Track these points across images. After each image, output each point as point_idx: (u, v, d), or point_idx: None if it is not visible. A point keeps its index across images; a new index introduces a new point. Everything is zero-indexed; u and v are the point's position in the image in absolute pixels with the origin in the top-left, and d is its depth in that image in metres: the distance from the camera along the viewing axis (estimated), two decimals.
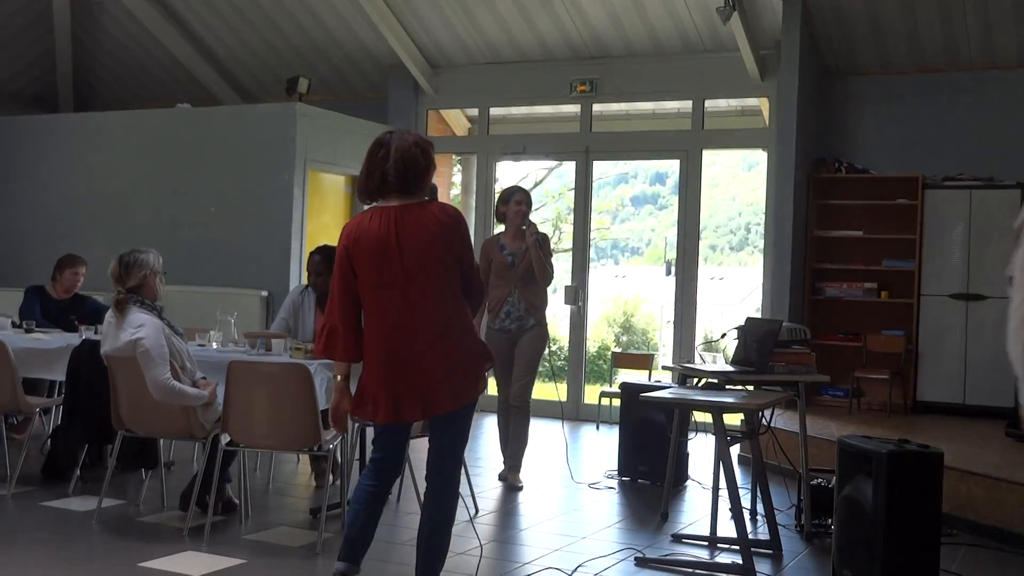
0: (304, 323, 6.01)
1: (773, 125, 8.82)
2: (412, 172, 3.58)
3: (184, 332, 5.23)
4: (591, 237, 10.19)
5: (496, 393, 6.30)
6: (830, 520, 4.95)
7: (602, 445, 8.04)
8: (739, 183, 28.08)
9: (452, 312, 3.60)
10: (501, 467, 6.39)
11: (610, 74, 9.46)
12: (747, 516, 5.26)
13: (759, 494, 5.33)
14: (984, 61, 8.47)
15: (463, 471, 4.07)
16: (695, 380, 5.48)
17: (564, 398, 8.80)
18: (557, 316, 10.58)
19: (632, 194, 28.58)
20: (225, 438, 4.86)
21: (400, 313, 3.55)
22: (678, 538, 5.12)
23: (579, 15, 9.07)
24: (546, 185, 19.11)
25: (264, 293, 8.90)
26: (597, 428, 8.85)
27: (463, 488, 3.80)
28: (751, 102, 9.61)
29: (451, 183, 11.53)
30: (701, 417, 6.08)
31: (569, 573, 4.42)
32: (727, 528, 5.05)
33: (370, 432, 4.50)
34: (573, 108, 9.83)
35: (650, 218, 29.40)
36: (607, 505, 5.97)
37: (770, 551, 4.89)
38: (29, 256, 9.68)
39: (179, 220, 9.36)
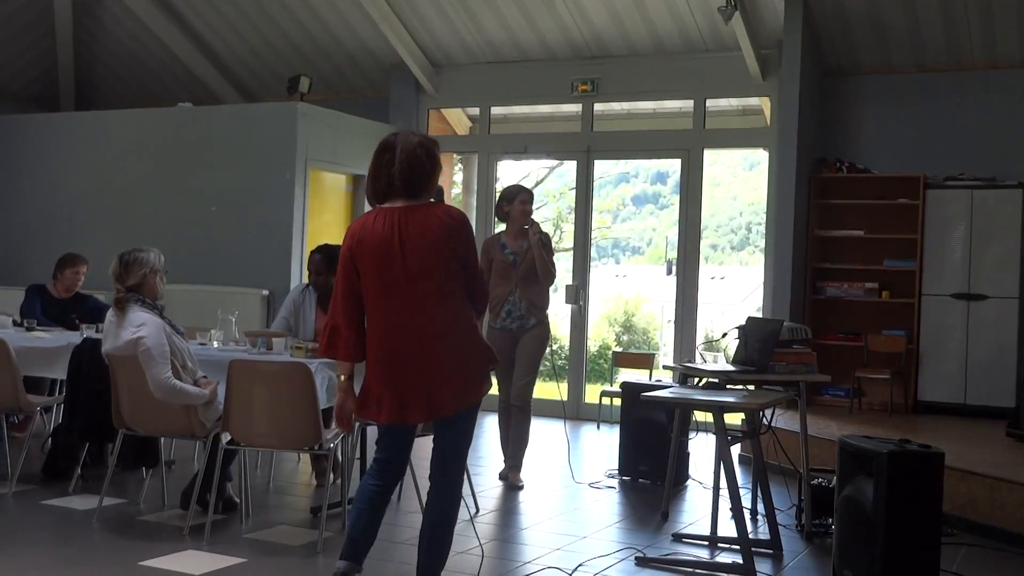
0: (305, 322, 6.01)
1: (774, 125, 8.82)
2: (417, 175, 3.60)
3: (185, 331, 5.23)
4: (592, 236, 10.19)
5: (497, 392, 6.30)
6: (831, 520, 4.95)
7: (603, 444, 8.04)
8: (740, 183, 28.06)
9: (455, 313, 3.61)
10: (502, 466, 6.39)
11: (611, 73, 9.45)
12: (748, 516, 5.26)
13: (760, 494, 5.33)
14: (986, 61, 8.46)
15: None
16: (696, 380, 5.48)
17: (565, 397, 8.80)
18: (558, 315, 10.58)
19: (633, 193, 28.56)
20: (226, 437, 4.86)
21: (402, 314, 3.56)
22: (678, 538, 5.13)
23: (580, 14, 9.07)
24: (547, 184, 19.12)
25: (265, 292, 8.91)
26: (598, 427, 8.85)
27: (463, 487, 3.80)
28: (752, 102, 9.60)
29: (452, 182, 11.53)
30: (702, 417, 6.08)
31: (569, 573, 4.42)
32: (728, 528, 5.05)
33: (371, 431, 4.51)
34: (574, 107, 9.83)
35: (651, 217, 29.38)
36: (607, 505, 5.97)
37: (771, 551, 4.89)
38: (30, 255, 9.69)
39: (180, 219, 9.36)
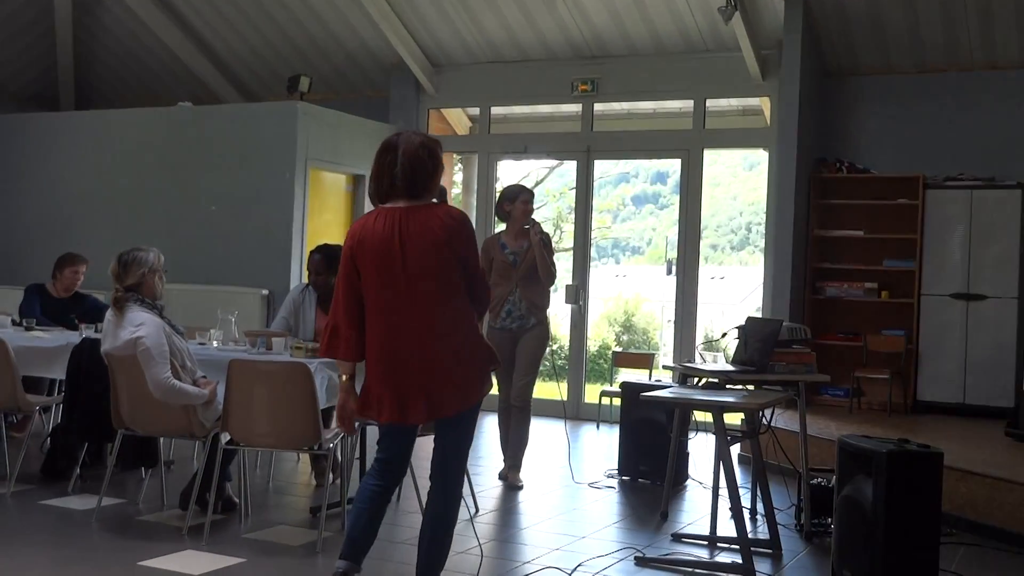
0: (304, 322, 6.01)
1: (774, 125, 8.82)
2: (419, 175, 3.60)
3: (184, 330, 5.23)
4: (592, 236, 10.19)
5: (497, 392, 6.30)
6: (830, 520, 4.95)
7: (602, 444, 8.04)
8: (740, 183, 28.05)
9: (455, 313, 3.61)
10: (501, 466, 6.39)
11: (611, 73, 9.45)
12: (747, 516, 5.26)
13: (759, 493, 5.33)
14: (985, 61, 8.46)
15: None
16: (695, 379, 5.48)
17: (565, 397, 8.80)
18: (558, 315, 10.58)
19: (633, 193, 28.55)
20: (225, 437, 4.86)
21: (401, 314, 3.56)
22: (678, 537, 5.13)
23: (580, 14, 9.07)
24: (547, 184, 19.11)
25: (265, 292, 8.90)
26: (597, 427, 8.85)
27: (463, 488, 3.80)
28: (752, 102, 9.60)
29: (452, 182, 11.53)
30: (701, 416, 6.08)
31: (569, 573, 4.42)
32: (727, 528, 5.05)
33: (371, 432, 4.51)
34: (574, 107, 9.83)
35: (651, 217, 29.37)
36: (607, 504, 5.97)
37: (770, 551, 4.90)
38: (29, 254, 9.68)
39: (180, 218, 9.36)
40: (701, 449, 6.75)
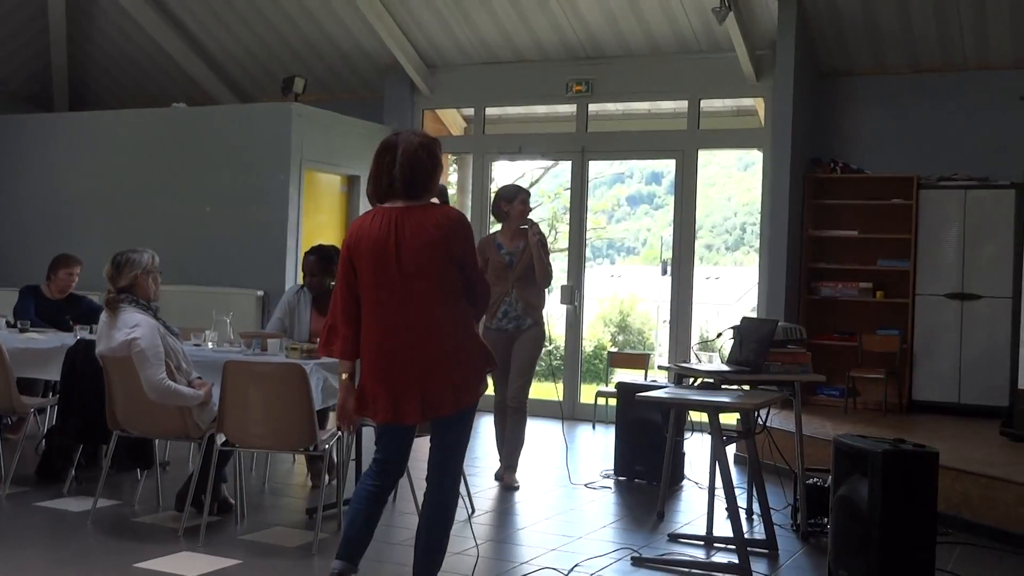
0: (300, 323, 6.00)
1: (769, 125, 8.83)
2: (418, 175, 3.61)
3: (179, 332, 5.22)
4: (587, 237, 10.20)
5: (493, 393, 6.29)
6: (826, 519, 4.96)
7: (598, 445, 8.04)
8: (735, 183, 28.08)
9: (451, 314, 3.61)
10: (497, 467, 6.39)
11: (606, 74, 9.46)
12: (743, 515, 5.27)
13: (755, 493, 5.33)
14: (979, 61, 8.48)
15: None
16: (691, 380, 5.48)
17: (561, 398, 8.80)
18: (553, 316, 10.58)
19: (628, 194, 28.57)
20: (221, 438, 4.85)
21: (396, 314, 3.57)
22: (674, 538, 5.13)
23: (575, 15, 9.07)
24: (542, 185, 19.10)
25: (260, 293, 8.89)
26: (593, 428, 8.85)
27: (460, 488, 3.80)
28: (747, 102, 9.61)
29: (447, 182, 11.53)
30: (697, 417, 6.07)
31: (565, 573, 4.42)
32: (723, 528, 5.06)
33: (367, 432, 4.51)
34: (569, 108, 9.83)
35: (646, 218, 29.39)
36: (603, 505, 5.97)
37: (766, 550, 4.90)
38: (23, 256, 9.65)
39: (174, 219, 9.34)
40: (697, 449, 6.76)
